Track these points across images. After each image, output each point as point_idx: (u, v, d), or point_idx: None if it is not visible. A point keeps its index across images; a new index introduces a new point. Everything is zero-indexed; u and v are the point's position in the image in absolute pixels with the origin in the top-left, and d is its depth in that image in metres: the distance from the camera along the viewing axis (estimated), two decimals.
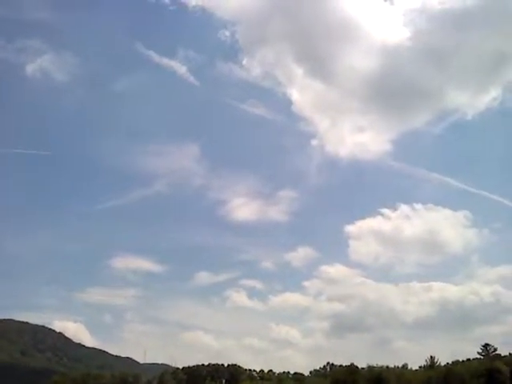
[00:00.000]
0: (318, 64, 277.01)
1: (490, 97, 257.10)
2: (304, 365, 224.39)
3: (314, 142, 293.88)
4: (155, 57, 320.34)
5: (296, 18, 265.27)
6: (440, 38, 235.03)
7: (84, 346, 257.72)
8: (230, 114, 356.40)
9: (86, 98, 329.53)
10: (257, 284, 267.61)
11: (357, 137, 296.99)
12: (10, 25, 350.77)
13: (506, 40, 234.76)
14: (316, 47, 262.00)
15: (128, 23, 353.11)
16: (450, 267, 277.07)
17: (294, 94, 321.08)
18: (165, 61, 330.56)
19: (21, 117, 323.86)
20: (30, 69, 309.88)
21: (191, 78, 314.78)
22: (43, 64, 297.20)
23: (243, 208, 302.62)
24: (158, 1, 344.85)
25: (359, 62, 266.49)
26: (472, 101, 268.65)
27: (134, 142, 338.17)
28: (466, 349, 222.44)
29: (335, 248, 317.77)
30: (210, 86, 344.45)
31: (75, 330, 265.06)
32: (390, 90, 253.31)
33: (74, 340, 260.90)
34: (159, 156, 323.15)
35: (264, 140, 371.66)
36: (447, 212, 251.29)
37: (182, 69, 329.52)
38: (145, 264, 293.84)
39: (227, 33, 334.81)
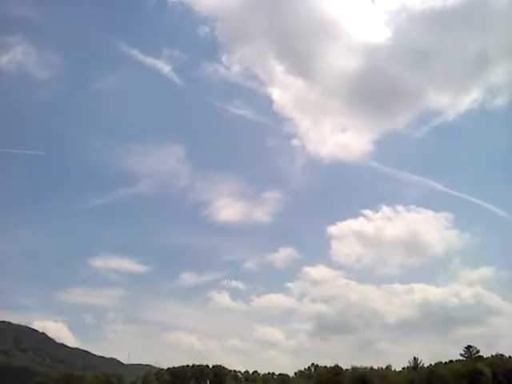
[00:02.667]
0: (299, 62, 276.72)
1: (471, 98, 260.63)
2: (288, 366, 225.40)
3: (295, 142, 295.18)
4: (139, 55, 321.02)
5: (277, 14, 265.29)
6: (421, 38, 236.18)
7: (67, 346, 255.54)
8: (214, 115, 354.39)
9: (69, 96, 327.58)
10: (240, 285, 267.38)
11: (338, 137, 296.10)
12: None
13: (487, 41, 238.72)
14: (297, 45, 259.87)
15: (109, 19, 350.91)
16: (431, 269, 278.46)
17: (275, 93, 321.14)
18: (149, 59, 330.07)
19: (2, 116, 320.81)
20: (10, 65, 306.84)
21: (175, 77, 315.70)
22: (23, 61, 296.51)
23: (227, 209, 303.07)
24: None
25: (340, 61, 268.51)
26: (453, 102, 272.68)
27: (118, 142, 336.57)
28: (448, 350, 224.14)
29: (317, 249, 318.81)
30: (194, 86, 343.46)
31: (57, 330, 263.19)
32: (372, 89, 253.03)
33: (57, 340, 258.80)
34: (143, 156, 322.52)
35: (247, 140, 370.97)
36: (429, 214, 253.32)
37: (166, 68, 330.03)
38: (128, 264, 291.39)
39: (207, 29, 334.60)
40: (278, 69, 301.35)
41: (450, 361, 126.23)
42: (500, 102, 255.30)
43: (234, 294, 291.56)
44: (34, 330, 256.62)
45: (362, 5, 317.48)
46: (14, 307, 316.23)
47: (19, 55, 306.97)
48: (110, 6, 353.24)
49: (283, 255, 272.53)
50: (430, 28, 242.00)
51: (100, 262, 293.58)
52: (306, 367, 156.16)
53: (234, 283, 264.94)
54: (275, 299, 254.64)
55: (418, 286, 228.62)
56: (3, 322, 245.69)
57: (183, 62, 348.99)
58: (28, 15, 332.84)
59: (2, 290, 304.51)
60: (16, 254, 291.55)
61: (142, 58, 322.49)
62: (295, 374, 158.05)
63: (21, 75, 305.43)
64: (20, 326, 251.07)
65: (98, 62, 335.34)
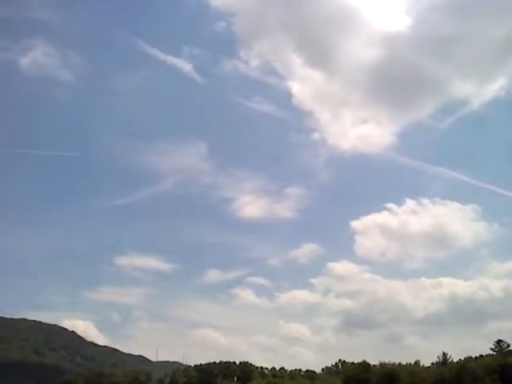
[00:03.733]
0: (318, 54, 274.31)
1: (496, 86, 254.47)
2: (314, 362, 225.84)
3: (316, 136, 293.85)
4: (159, 54, 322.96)
5: (294, 6, 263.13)
6: (444, 26, 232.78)
7: (96, 344, 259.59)
8: (234, 111, 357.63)
9: (91, 97, 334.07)
10: (264, 281, 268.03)
11: (359, 130, 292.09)
12: (14, 25, 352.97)
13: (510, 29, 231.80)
14: (315, 37, 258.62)
15: (127, 18, 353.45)
16: (459, 262, 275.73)
17: (295, 86, 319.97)
18: (169, 58, 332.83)
19: (24, 117, 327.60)
20: (32, 67, 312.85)
21: (195, 75, 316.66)
22: (45, 62, 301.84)
23: (250, 205, 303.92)
24: None
25: (360, 51, 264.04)
26: (478, 90, 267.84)
27: (141, 141, 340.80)
28: (478, 345, 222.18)
29: (341, 244, 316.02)
30: (214, 82, 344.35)
31: (86, 329, 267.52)
32: (393, 80, 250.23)
33: (86, 338, 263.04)
34: (166, 154, 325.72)
35: (269, 136, 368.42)
36: (455, 206, 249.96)
37: (186, 66, 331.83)
38: (153, 262, 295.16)
39: (224, 24, 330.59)
40: (297, 61, 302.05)
41: (480, 355, 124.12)
42: None
43: (259, 290, 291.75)
44: (63, 328, 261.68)
45: None
46: (44, 307, 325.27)
47: (41, 57, 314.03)
48: (127, 5, 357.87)
49: (307, 251, 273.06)
50: (452, 15, 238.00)
51: (126, 261, 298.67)
52: (333, 363, 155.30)
53: (258, 280, 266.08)
54: (299, 295, 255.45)
55: (445, 280, 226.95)
56: (34, 321, 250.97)
57: (202, 59, 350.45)
58: (49, 17, 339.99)
59: (32, 290, 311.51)
60: (44, 254, 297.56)
61: (162, 56, 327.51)
62: (322, 370, 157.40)
63: (42, 76, 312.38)
64: (50, 325, 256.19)
65: (119, 62, 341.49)
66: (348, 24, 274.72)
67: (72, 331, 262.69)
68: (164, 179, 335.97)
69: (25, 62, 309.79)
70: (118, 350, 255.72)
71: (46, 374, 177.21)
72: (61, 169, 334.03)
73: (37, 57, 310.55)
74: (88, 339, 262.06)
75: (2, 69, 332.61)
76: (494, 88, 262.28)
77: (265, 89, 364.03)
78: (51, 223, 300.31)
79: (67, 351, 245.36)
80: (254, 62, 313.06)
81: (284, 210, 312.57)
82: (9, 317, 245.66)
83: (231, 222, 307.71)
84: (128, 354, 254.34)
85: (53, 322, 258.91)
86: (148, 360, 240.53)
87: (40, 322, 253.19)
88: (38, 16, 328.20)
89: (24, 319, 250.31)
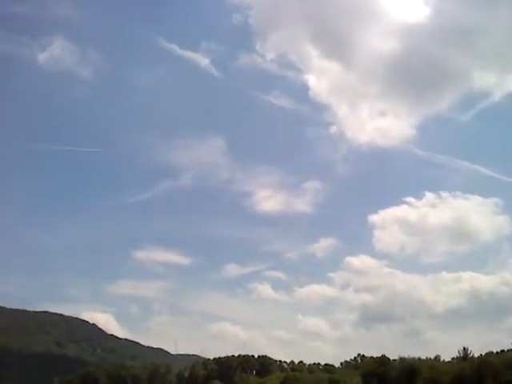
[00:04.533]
0: (335, 45, 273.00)
1: None
2: (333, 356, 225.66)
3: (333, 130, 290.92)
4: (177, 50, 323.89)
5: None
6: (463, 16, 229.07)
7: (117, 337, 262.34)
8: (252, 105, 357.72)
9: (110, 93, 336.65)
10: (282, 276, 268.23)
11: (377, 123, 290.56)
12: (33, 22, 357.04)
13: None
14: (332, 28, 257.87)
15: (145, 12, 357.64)
16: (479, 256, 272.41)
17: (311, 79, 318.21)
18: (187, 53, 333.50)
19: (43, 112, 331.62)
20: (51, 64, 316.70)
21: (213, 69, 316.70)
22: (64, 59, 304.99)
23: (268, 200, 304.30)
24: None
25: (377, 42, 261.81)
26: (500, 81, 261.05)
27: (160, 136, 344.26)
28: (499, 340, 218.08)
29: (359, 238, 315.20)
30: (231, 76, 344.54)
31: (107, 322, 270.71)
32: (412, 71, 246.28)
33: (107, 331, 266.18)
34: (184, 149, 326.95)
35: (286, 130, 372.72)
36: (476, 199, 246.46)
37: (204, 61, 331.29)
38: (172, 256, 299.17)
39: (240, 17, 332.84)
40: (314, 53, 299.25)
41: (502, 350, 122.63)
42: None
43: (277, 284, 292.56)
44: (85, 321, 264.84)
45: None
46: (66, 299, 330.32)
47: (59, 53, 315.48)
48: (144, 1, 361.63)
49: (325, 245, 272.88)
50: (472, 4, 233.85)
51: (146, 255, 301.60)
52: (352, 357, 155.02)
53: (276, 274, 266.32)
54: (318, 290, 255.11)
55: (465, 275, 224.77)
56: (56, 314, 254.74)
57: (219, 53, 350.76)
58: (67, 14, 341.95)
59: (54, 284, 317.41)
60: (65, 248, 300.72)
61: (179, 51, 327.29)
62: (341, 364, 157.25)
63: (61, 72, 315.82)
64: (72, 317, 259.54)
65: (137, 57, 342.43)
66: (365, 14, 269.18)
67: (93, 324, 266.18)
68: (182, 174, 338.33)
69: (43, 58, 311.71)
70: (137, 343, 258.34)
71: (67, 365, 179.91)
72: (82, 164, 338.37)
73: (55, 53, 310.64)
74: (108, 332, 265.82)
75: (22, 65, 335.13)
76: None
77: (282, 82, 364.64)
78: (72, 218, 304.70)
79: (88, 343, 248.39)
80: (270, 55, 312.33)
81: (302, 204, 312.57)
82: (31, 310, 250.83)
83: (249, 216, 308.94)
84: (148, 347, 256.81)
85: (74, 315, 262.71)
86: (167, 353, 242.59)
87: (61, 315, 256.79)
88: (57, 13, 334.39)
89: (46, 312, 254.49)
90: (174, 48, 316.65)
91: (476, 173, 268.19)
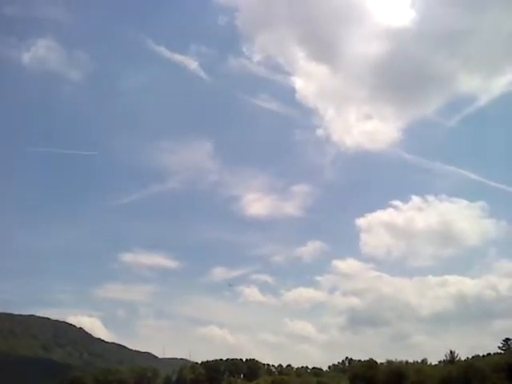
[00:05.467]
0: (321, 48, 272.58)
1: (505, 81, 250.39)
2: (320, 359, 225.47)
3: (320, 133, 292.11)
4: (165, 52, 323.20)
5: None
6: (449, 20, 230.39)
7: (104, 341, 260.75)
8: (239, 108, 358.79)
9: (99, 95, 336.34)
10: (270, 279, 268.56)
11: (363, 126, 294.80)
12: (21, 23, 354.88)
13: None
14: (319, 30, 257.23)
15: (133, 15, 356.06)
16: (465, 260, 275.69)
17: (298, 82, 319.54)
18: (176, 56, 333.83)
19: (31, 115, 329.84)
20: (39, 65, 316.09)
21: (202, 73, 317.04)
22: (52, 60, 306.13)
23: (256, 203, 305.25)
24: None
25: (364, 45, 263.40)
26: (486, 85, 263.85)
27: (148, 139, 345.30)
28: (485, 343, 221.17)
29: (346, 242, 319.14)
30: (217, 78, 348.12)
31: (93, 326, 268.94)
32: (398, 75, 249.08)
33: (94, 335, 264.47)
34: (172, 152, 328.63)
35: (274, 133, 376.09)
36: (462, 203, 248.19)
37: (193, 64, 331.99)
38: (160, 260, 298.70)
39: (227, 19, 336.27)
40: (300, 55, 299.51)
41: (488, 354, 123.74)
42: None
43: (264, 288, 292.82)
44: (71, 325, 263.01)
45: None
46: (52, 303, 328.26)
47: (47, 55, 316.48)
48: (132, 3, 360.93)
49: (312, 249, 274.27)
50: (458, 8, 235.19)
51: (133, 259, 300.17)
52: (340, 361, 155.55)
53: (263, 277, 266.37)
54: (305, 293, 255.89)
55: (451, 278, 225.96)
56: (42, 317, 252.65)
57: (208, 56, 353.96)
58: (56, 16, 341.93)
59: (40, 287, 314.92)
60: (52, 252, 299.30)
61: (168, 54, 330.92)
62: (329, 367, 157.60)
63: (49, 74, 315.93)
64: (58, 321, 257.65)
65: (126, 60, 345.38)
66: (352, 18, 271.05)
67: (80, 328, 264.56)
68: (170, 177, 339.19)
69: (30, 59, 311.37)
70: (125, 347, 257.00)
71: (54, 370, 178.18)
72: (69, 167, 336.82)
73: (43, 55, 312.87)
74: (95, 336, 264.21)
75: (8, 67, 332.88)
76: (502, 83, 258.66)
77: (269, 85, 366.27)
78: (59, 221, 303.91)
79: (75, 347, 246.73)
80: (257, 57, 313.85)
81: (289, 207, 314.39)
82: (17, 313, 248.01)
83: (237, 219, 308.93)
84: (135, 351, 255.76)
85: (61, 319, 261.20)
86: (155, 357, 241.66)
87: (48, 319, 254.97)
88: (46, 15, 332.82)
89: (32, 316, 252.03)
90: (163, 50, 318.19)
91: (462, 177, 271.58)
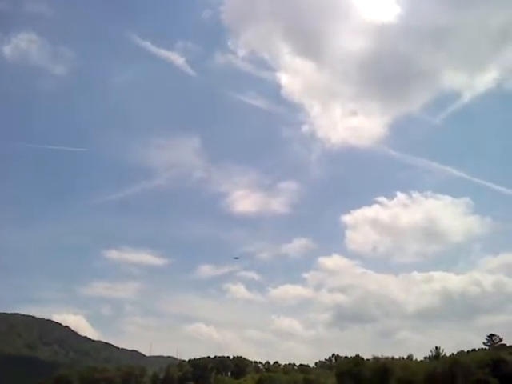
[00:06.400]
0: (307, 43, 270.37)
1: (489, 77, 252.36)
2: (307, 356, 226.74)
3: (305, 129, 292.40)
4: (151, 47, 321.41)
5: None
6: (435, 16, 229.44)
7: (90, 339, 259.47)
8: (227, 105, 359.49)
9: (84, 91, 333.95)
10: (256, 276, 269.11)
11: (349, 122, 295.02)
12: (6, 18, 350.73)
13: (507, 16, 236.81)
14: (304, 25, 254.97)
15: (118, 10, 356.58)
16: (450, 256, 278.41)
17: (283, 77, 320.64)
18: (162, 51, 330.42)
19: (14, 110, 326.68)
20: (24, 60, 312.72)
21: (188, 69, 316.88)
22: (37, 56, 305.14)
23: (243, 200, 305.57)
24: None
25: (350, 41, 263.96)
26: (470, 82, 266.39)
27: (134, 135, 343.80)
28: (470, 339, 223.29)
29: (332, 238, 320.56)
30: (203, 74, 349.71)
31: (80, 324, 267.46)
32: (384, 71, 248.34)
33: (80, 333, 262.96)
34: (159, 149, 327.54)
35: (261, 130, 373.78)
36: (447, 199, 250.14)
37: (180, 60, 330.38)
38: (147, 257, 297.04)
39: (212, 13, 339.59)
40: (285, 50, 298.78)
41: (473, 350, 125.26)
42: None
43: (250, 285, 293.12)
44: (57, 323, 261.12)
45: None
46: (38, 301, 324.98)
47: (33, 50, 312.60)
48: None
49: (298, 245, 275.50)
50: (444, 4, 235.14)
51: (119, 256, 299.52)
52: (327, 357, 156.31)
53: (250, 274, 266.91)
54: (291, 290, 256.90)
55: (436, 274, 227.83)
56: (27, 316, 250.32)
57: (194, 52, 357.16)
58: (42, 11, 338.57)
59: (25, 285, 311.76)
60: (38, 249, 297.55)
61: (154, 49, 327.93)
62: (316, 364, 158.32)
63: (33, 69, 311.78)
64: (44, 319, 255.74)
65: (112, 55, 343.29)
66: (337, 13, 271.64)
67: (65, 326, 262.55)
68: (157, 174, 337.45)
69: (13, 53, 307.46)
70: (111, 345, 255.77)
71: (40, 368, 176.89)
72: (54, 163, 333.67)
73: (29, 50, 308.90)
74: (81, 334, 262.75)
75: None
76: (486, 79, 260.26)
77: (255, 81, 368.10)
78: (44, 218, 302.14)
79: (61, 346, 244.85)
80: (242, 52, 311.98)
81: (276, 204, 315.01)
82: (1, 311, 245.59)
83: (224, 216, 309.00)
84: (122, 349, 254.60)
85: (46, 317, 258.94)
86: (142, 355, 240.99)
87: (33, 317, 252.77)
88: (31, 10, 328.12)
89: (17, 314, 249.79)
90: (149, 46, 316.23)
91: (447, 174, 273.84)
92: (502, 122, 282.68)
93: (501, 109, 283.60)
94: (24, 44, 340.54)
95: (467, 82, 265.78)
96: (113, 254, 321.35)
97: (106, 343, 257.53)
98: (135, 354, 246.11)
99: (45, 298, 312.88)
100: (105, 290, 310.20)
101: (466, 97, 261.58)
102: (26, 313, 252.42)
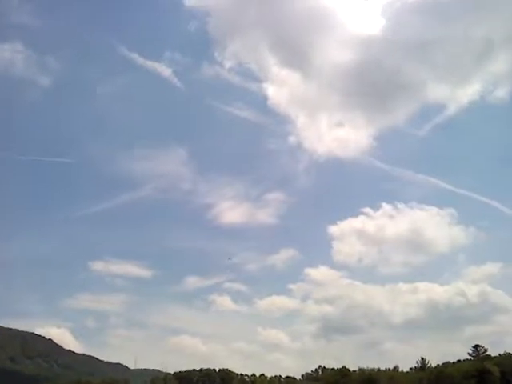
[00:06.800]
0: (294, 54, 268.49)
1: (472, 90, 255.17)
2: (294, 368, 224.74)
3: (292, 140, 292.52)
4: (138, 59, 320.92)
5: (269, 5, 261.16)
6: (420, 28, 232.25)
7: (74, 352, 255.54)
8: (213, 116, 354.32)
9: (70, 101, 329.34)
10: (243, 287, 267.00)
11: (335, 133, 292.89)
12: None
13: (489, 29, 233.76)
14: (291, 37, 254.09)
15: (105, 21, 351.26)
16: (435, 266, 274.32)
17: (270, 89, 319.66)
18: (149, 62, 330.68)
19: (1, 121, 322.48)
20: (10, 71, 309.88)
21: (175, 80, 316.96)
22: (23, 67, 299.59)
23: (230, 211, 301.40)
24: None
25: (336, 53, 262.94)
26: (454, 94, 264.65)
27: (121, 146, 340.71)
28: (456, 349, 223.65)
29: (318, 249, 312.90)
30: (190, 86, 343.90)
31: (64, 337, 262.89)
32: (369, 82, 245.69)
33: (64, 346, 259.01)
34: (146, 160, 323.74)
35: (247, 141, 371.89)
36: (432, 210, 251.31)
37: (167, 71, 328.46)
38: (132, 269, 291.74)
39: (199, 24, 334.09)
40: (272, 62, 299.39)
41: (458, 360, 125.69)
42: (502, 92, 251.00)
43: (237, 296, 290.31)
44: (40, 336, 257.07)
45: None
46: (21, 314, 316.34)
47: (18, 60, 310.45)
48: (104, 9, 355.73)
49: (284, 257, 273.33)
50: (428, 17, 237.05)
51: (104, 267, 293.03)
52: (313, 369, 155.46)
53: (236, 286, 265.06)
54: (278, 301, 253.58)
55: (422, 285, 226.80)
56: (10, 329, 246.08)
57: (181, 63, 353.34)
58: (28, 22, 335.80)
59: (7, 298, 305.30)
60: (21, 261, 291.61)
61: (141, 61, 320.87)
62: (302, 376, 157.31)
63: (18, 79, 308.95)
64: (27, 332, 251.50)
65: (99, 66, 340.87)
66: (323, 25, 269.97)
67: (49, 339, 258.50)
68: (144, 185, 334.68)
69: (1, 65, 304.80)
70: (95, 358, 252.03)
71: (22, 382, 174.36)
72: (38, 174, 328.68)
73: (14, 60, 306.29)
74: (65, 347, 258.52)
75: None
76: (469, 92, 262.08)
77: (242, 92, 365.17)
78: (28, 229, 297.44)
79: (44, 359, 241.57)
80: (229, 63, 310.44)
81: (264, 215, 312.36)
82: None
83: (211, 228, 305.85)
84: (106, 362, 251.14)
85: (29, 330, 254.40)
86: (126, 368, 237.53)
87: (16, 330, 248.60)
88: (17, 21, 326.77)
89: None
90: (136, 57, 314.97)
91: (432, 185, 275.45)
92: (484, 134, 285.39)
93: (484, 121, 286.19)
94: (8, 54, 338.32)
95: (451, 94, 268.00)
96: (98, 266, 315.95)
97: (90, 356, 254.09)
98: (120, 366, 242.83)
99: (28, 311, 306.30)
100: (89, 302, 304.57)
101: (451, 109, 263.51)
102: (9, 326, 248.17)
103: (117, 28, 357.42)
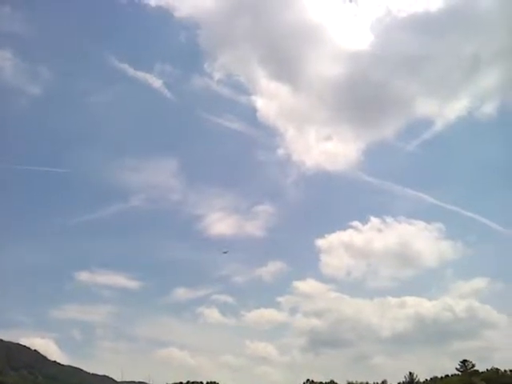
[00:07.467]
0: (283, 68, 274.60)
1: (460, 105, 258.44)
2: (282, 381, 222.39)
3: (281, 153, 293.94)
4: (129, 69, 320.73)
5: (260, 18, 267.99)
6: (408, 44, 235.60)
7: (60, 363, 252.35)
8: (204, 128, 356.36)
9: (60, 111, 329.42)
10: (231, 300, 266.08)
11: (323, 147, 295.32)
12: None
13: (477, 45, 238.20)
14: (281, 51, 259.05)
15: (97, 31, 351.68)
16: (423, 281, 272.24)
17: (259, 101, 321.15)
18: (139, 73, 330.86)
19: None
20: (5, 80, 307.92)
21: (166, 91, 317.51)
22: (13, 76, 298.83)
23: (220, 223, 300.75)
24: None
25: (325, 67, 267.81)
26: (442, 110, 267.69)
27: (111, 157, 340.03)
28: (443, 364, 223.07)
29: (306, 262, 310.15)
30: (181, 97, 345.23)
31: (49, 348, 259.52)
32: (357, 97, 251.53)
33: (49, 357, 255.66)
34: (136, 170, 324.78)
35: (238, 153, 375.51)
36: (420, 224, 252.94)
37: (157, 82, 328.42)
38: (120, 280, 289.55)
39: (189, 36, 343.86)
40: (261, 74, 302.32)
41: (446, 375, 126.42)
42: (489, 108, 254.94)
43: (224, 309, 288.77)
44: (25, 347, 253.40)
45: (346, 10, 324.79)
46: (5, 324, 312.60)
47: (8, 69, 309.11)
48: (97, 20, 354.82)
49: (272, 269, 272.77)
50: (417, 33, 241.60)
51: (92, 278, 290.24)
52: (301, 383, 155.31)
53: (224, 298, 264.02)
54: (266, 314, 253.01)
55: (410, 299, 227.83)
56: None
57: (172, 74, 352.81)
58: (18, 31, 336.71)
59: None
60: (6, 271, 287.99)
61: (132, 72, 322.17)
62: None
63: (8, 88, 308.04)
64: (11, 343, 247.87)
65: (90, 77, 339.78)
66: (313, 39, 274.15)
67: (34, 350, 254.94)
68: (133, 195, 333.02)
69: None
70: (81, 370, 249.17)
71: None
72: (25, 183, 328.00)
73: (3, 69, 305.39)
74: (51, 358, 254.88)
75: None
76: (457, 107, 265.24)
77: (232, 105, 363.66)
78: (13, 240, 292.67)
79: (29, 370, 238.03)
80: (218, 75, 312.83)
81: (252, 227, 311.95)
82: None
83: (200, 239, 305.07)
84: (92, 374, 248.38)
85: (14, 340, 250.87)
86: (113, 380, 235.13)
87: (0, 340, 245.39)
88: (7, 30, 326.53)
89: None
90: (126, 68, 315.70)
91: (419, 199, 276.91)
92: (472, 149, 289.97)
93: (471, 137, 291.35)
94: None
95: (439, 109, 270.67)
96: (85, 276, 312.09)
97: (76, 368, 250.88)
98: (106, 379, 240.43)
99: (12, 321, 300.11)
100: (75, 312, 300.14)
101: (439, 124, 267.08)
102: None
103: (108, 39, 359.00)
